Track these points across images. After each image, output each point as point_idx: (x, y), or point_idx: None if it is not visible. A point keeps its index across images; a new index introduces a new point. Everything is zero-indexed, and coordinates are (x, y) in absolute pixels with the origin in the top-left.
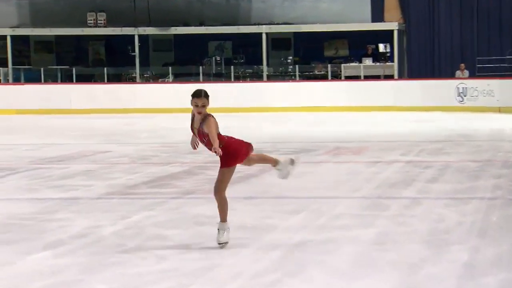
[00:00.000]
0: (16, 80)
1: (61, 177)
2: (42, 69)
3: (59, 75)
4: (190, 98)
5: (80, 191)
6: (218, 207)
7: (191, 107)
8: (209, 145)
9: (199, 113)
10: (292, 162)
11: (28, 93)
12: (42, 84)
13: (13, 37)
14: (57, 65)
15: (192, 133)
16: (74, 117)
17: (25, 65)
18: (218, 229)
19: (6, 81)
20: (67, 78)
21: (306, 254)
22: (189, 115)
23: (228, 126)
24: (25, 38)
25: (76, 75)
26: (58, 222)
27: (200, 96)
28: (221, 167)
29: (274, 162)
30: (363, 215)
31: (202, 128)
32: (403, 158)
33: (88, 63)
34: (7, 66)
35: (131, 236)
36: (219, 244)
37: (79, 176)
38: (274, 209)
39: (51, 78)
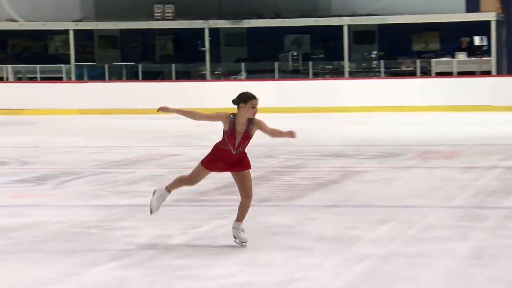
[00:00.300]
0: (79, 78)
1: (127, 182)
2: (106, 65)
3: (124, 72)
4: (239, 100)
5: (147, 197)
6: (246, 209)
7: (249, 108)
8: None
9: (254, 114)
10: None
11: (92, 91)
12: (107, 82)
13: (76, 32)
14: (122, 62)
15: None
16: (140, 118)
17: (88, 62)
18: (242, 230)
19: (69, 79)
20: (132, 76)
21: (394, 268)
22: (265, 115)
23: (306, 128)
24: (89, 33)
25: (142, 72)
26: (124, 231)
27: (256, 98)
28: (249, 168)
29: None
30: (457, 226)
31: (250, 130)
32: (502, 164)
33: (155, 59)
34: (69, 63)
35: (201, 246)
36: (244, 242)
37: (146, 181)
38: (358, 219)
39: (116, 76)
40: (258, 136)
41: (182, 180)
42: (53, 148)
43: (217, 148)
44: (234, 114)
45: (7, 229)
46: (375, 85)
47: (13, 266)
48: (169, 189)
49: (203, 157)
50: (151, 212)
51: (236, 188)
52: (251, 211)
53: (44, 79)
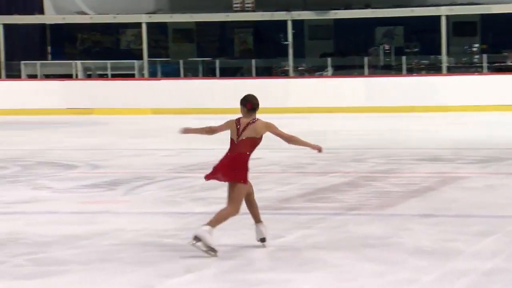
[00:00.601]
0: (152, 75)
1: (204, 188)
2: (181, 61)
3: (200, 68)
4: (241, 103)
5: (225, 204)
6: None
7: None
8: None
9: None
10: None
11: (166, 89)
12: (182, 79)
13: (149, 25)
14: (198, 57)
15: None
16: (218, 118)
17: (162, 57)
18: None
19: (141, 76)
20: (209, 72)
21: (498, 286)
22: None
23: (398, 129)
24: (163, 26)
25: (219, 68)
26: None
27: (250, 101)
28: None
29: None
30: None
31: (254, 123)
32: None
33: (234, 54)
34: (142, 59)
35: (285, 259)
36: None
37: (224, 187)
38: (458, 230)
39: (192, 72)
40: (343, 137)
41: (228, 215)
42: (124, 150)
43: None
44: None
45: (77, 237)
46: (477, 82)
47: (83, 278)
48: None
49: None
50: (211, 251)
51: (323, 195)
52: (338, 220)
53: (115, 76)
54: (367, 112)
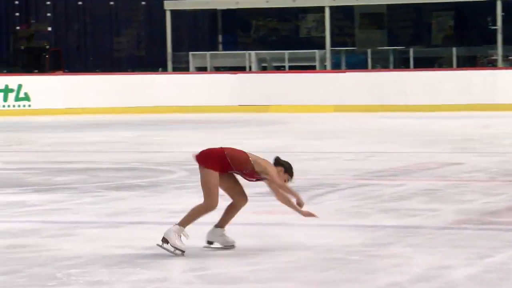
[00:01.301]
0: (336, 67)
1: (395, 197)
2: (369, 50)
3: (391, 58)
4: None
5: (420, 217)
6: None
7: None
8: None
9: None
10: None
11: (351, 83)
12: (369, 71)
13: (332, 9)
14: (388, 46)
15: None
16: (411, 116)
17: (347, 46)
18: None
19: (323, 68)
20: (401, 63)
21: None
22: None
23: None
24: (348, 10)
25: (414, 58)
26: (392, 258)
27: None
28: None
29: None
30: None
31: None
32: None
33: (430, 41)
34: (324, 48)
35: (493, 282)
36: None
37: (419, 196)
38: None
39: (381, 63)
40: None
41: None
42: (303, 153)
43: None
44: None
45: (251, 252)
46: None
47: None
48: None
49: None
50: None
51: None
52: None
53: (293, 68)
54: None
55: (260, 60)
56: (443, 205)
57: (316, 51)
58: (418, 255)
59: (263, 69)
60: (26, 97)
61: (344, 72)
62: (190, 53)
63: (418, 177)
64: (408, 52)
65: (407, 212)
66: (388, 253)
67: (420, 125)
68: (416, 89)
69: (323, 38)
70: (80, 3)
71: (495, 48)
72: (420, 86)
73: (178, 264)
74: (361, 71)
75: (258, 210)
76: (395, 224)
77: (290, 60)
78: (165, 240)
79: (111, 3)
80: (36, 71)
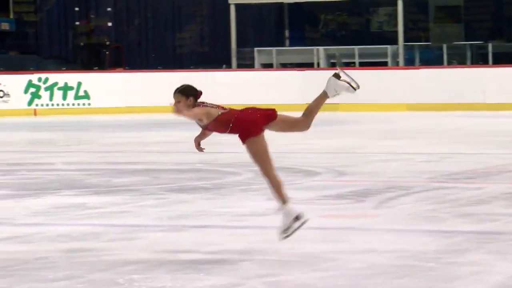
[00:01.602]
0: (409, 63)
1: (473, 201)
2: (444, 46)
3: (468, 54)
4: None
5: (500, 222)
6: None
7: None
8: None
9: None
10: (295, 218)
11: (425, 80)
12: (445, 67)
13: (406, 2)
14: (466, 40)
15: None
16: (490, 116)
17: (421, 41)
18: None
19: (395, 64)
20: (480, 58)
21: None
22: None
23: None
24: (423, 3)
25: (493, 54)
26: (471, 266)
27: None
28: (243, 142)
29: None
30: None
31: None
32: None
33: (511, 36)
34: (396, 43)
35: None
36: (284, 233)
37: (498, 200)
38: None
39: (458, 59)
40: None
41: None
42: (375, 154)
43: None
44: None
45: (320, 258)
46: None
47: None
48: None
49: None
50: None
51: None
52: None
53: (363, 65)
54: None
55: (328, 56)
56: None
57: (388, 46)
58: (499, 262)
59: (332, 66)
60: (86, 95)
61: (418, 68)
62: (255, 49)
63: (498, 180)
64: (486, 47)
65: (486, 217)
66: (466, 260)
67: (500, 124)
68: (495, 87)
69: (396, 32)
70: None
71: None
72: (499, 83)
73: (244, 270)
74: (436, 67)
75: (328, 214)
76: (473, 230)
77: (360, 56)
78: (337, 76)
79: None
80: (96, 68)
